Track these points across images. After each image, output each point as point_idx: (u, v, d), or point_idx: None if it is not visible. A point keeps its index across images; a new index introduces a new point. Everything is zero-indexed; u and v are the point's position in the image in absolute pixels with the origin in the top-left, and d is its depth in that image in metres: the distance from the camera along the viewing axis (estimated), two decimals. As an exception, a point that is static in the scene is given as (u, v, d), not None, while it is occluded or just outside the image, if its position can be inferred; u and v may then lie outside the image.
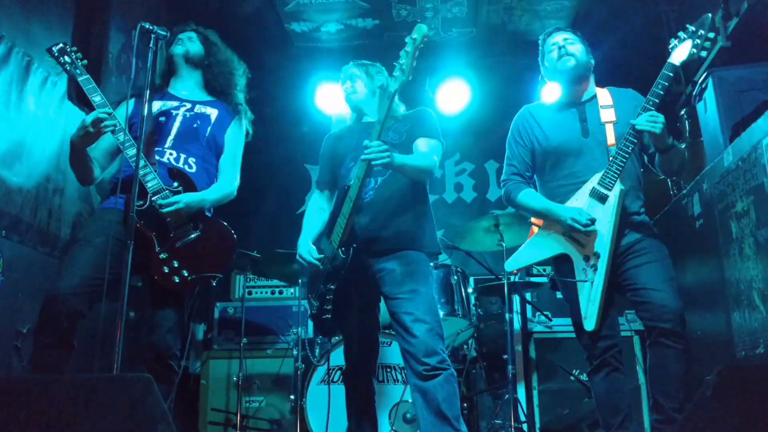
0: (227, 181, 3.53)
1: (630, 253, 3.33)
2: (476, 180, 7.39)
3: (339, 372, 4.58)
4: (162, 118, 3.43)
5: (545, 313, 5.52)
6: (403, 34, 6.17)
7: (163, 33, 3.13)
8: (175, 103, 3.50)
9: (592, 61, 3.57)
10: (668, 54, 3.27)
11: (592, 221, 3.27)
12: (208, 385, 5.37)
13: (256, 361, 5.38)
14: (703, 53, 3.23)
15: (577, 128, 3.48)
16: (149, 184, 3.17)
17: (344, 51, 6.46)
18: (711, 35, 3.21)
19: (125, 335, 2.73)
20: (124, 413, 2.10)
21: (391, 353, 4.56)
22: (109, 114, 3.17)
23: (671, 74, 3.24)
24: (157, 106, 3.47)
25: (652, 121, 3.17)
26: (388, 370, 4.54)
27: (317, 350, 5.06)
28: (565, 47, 3.50)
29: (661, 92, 3.21)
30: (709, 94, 4.45)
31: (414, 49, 3.14)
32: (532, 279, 5.67)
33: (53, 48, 3.28)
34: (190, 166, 3.40)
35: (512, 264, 3.65)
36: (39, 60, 3.99)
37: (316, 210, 3.74)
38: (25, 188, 3.89)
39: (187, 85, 3.59)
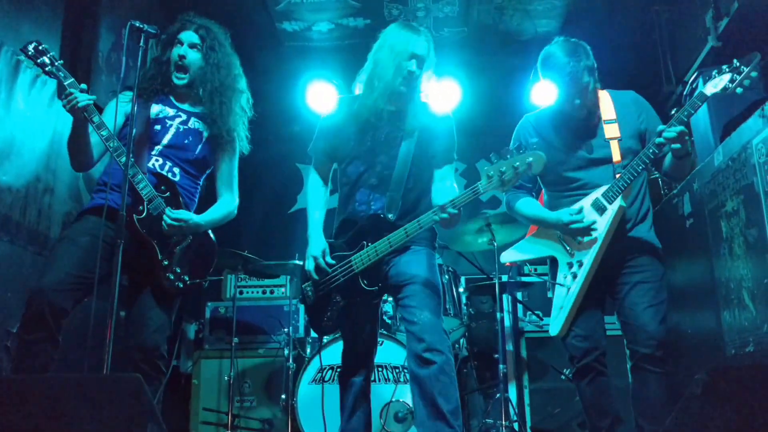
0: (226, 202, 3.54)
1: (626, 267, 3.34)
2: (468, 179, 7.39)
3: (330, 371, 4.58)
4: (157, 126, 3.40)
5: (536, 312, 5.54)
6: (394, 33, 6.24)
7: (153, 31, 3.10)
8: (172, 112, 3.46)
9: (598, 82, 3.46)
10: (701, 83, 3.22)
11: (580, 213, 3.29)
12: (199, 385, 5.36)
13: (248, 360, 5.38)
14: (739, 90, 3.09)
15: (581, 145, 3.45)
16: (143, 192, 3.18)
17: (335, 50, 6.45)
18: (754, 74, 3.06)
19: (115, 335, 2.72)
20: (114, 413, 2.10)
21: (383, 353, 4.55)
22: (81, 92, 3.12)
23: (700, 103, 3.15)
24: (155, 109, 3.44)
25: (676, 136, 3.10)
26: (380, 369, 4.54)
27: (308, 349, 5.06)
28: (587, 90, 3.37)
29: (686, 119, 3.12)
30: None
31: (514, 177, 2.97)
32: (523, 278, 5.69)
33: (27, 47, 3.16)
34: (174, 174, 3.39)
35: (506, 257, 3.70)
36: (28, 59, 3.97)
37: (319, 189, 3.51)
38: (15, 187, 3.87)
39: (186, 94, 3.53)
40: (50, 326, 2.97)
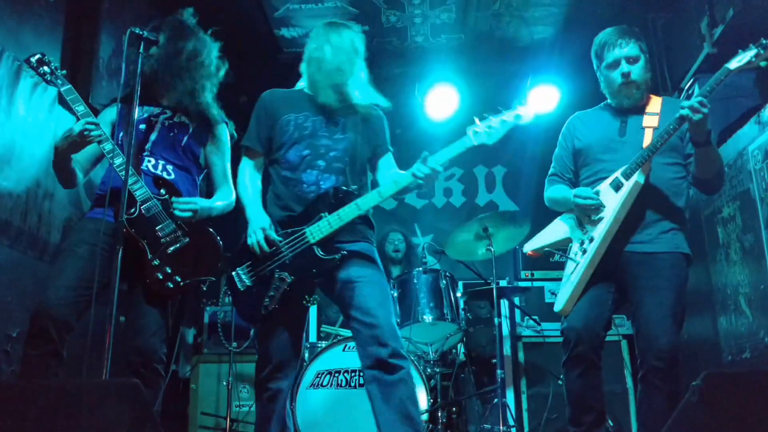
0: (226, 194, 3.56)
1: (646, 268, 3.21)
2: (465, 185, 7.43)
3: (328, 376, 4.58)
4: (142, 126, 3.41)
5: (534, 317, 5.55)
6: (392, 39, 6.31)
7: (153, 38, 3.13)
8: (156, 110, 3.48)
9: (650, 74, 3.46)
10: (697, 89, 3.21)
11: (590, 196, 3.25)
12: (197, 390, 5.36)
13: (246, 365, 5.37)
14: (763, 63, 3.08)
15: (616, 128, 3.43)
16: (137, 193, 3.18)
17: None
18: None
19: (115, 340, 2.73)
20: (113, 418, 2.10)
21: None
22: (96, 125, 3.16)
23: (723, 78, 3.12)
24: (139, 113, 3.45)
25: (697, 106, 3.01)
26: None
27: (306, 354, 5.06)
28: (630, 74, 3.36)
29: (708, 94, 3.08)
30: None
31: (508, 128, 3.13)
32: (521, 283, 5.71)
33: (31, 59, 3.24)
34: (168, 173, 3.41)
35: (528, 246, 3.62)
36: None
37: (258, 179, 3.39)
38: (15, 192, 3.89)
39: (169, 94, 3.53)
40: (55, 341, 2.98)
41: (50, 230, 4.20)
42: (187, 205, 3.26)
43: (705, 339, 4.14)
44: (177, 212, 3.25)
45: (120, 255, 2.81)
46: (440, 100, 6.51)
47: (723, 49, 4.58)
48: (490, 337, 5.27)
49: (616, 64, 3.39)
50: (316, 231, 3.12)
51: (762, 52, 3.09)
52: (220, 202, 3.51)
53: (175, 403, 5.39)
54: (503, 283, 5.51)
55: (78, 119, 3.19)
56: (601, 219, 3.23)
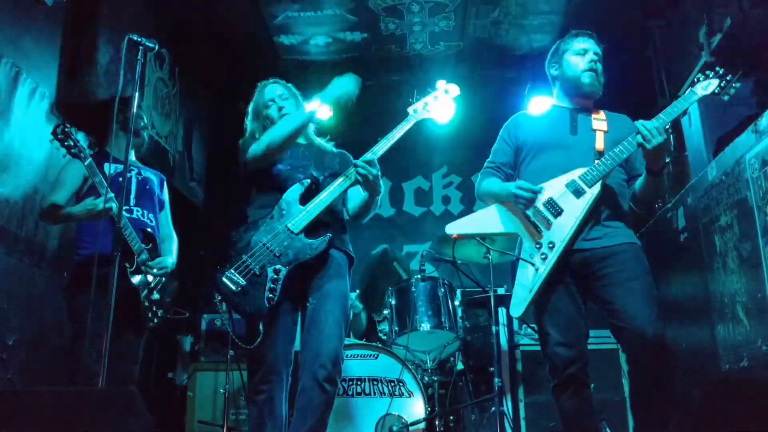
0: (174, 244, 3.98)
1: (609, 262, 3.11)
2: (463, 192, 7.43)
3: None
4: (121, 179, 3.46)
5: (531, 325, 5.52)
6: (390, 47, 6.32)
7: (151, 45, 3.14)
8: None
9: (603, 77, 3.44)
10: (692, 84, 3.22)
11: (535, 192, 3.18)
12: (194, 398, 5.34)
13: (243, 373, 5.36)
14: (726, 97, 3.19)
15: (567, 126, 3.36)
16: (134, 247, 3.53)
17: (332, 64, 6.48)
18: (737, 85, 3.17)
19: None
20: (109, 426, 2.09)
21: (378, 366, 4.55)
22: (112, 198, 3.40)
23: (687, 107, 3.19)
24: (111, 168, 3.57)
25: (658, 129, 3.02)
26: (375, 382, 4.54)
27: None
28: (597, 62, 3.37)
29: (671, 122, 3.10)
30: (693, 109, 4.51)
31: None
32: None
33: (56, 130, 3.47)
34: (151, 221, 3.77)
35: (455, 227, 3.46)
36: (27, 71, 3.99)
37: None
38: (12, 199, 3.88)
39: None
40: None
41: (47, 237, 4.20)
42: (163, 270, 3.69)
43: (702, 347, 4.13)
44: (155, 270, 3.64)
45: (118, 262, 2.83)
46: (439, 108, 6.49)
47: (721, 58, 4.60)
48: (488, 346, 5.24)
49: (584, 51, 3.39)
50: (298, 221, 3.29)
51: (724, 85, 3.15)
52: (173, 257, 3.89)
53: (171, 411, 5.37)
54: (501, 291, 5.50)
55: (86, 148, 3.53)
56: (559, 223, 3.14)
